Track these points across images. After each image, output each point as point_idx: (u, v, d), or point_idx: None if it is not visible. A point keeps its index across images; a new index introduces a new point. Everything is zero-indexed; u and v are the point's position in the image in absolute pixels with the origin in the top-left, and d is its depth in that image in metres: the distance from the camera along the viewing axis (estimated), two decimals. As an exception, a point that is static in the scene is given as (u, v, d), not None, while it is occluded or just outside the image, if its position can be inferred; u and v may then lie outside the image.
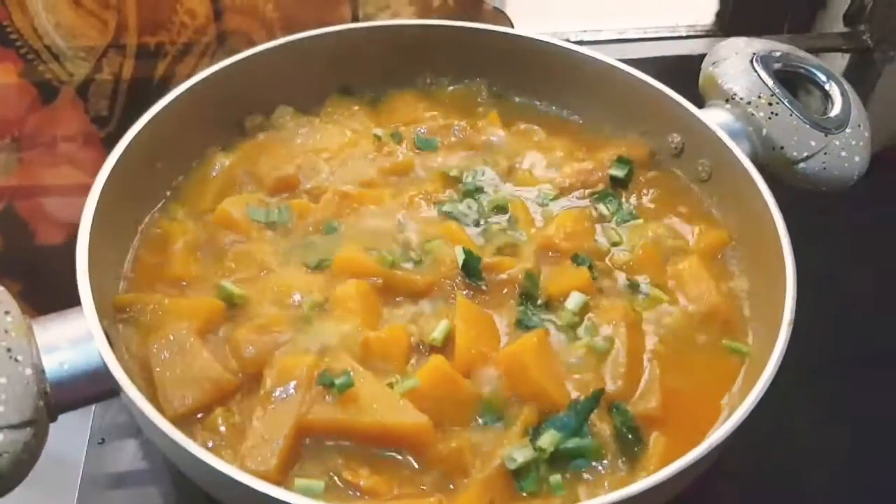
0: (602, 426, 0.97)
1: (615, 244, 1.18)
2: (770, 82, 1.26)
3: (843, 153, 1.24)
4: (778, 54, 1.31)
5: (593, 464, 0.95)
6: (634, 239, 1.18)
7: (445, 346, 1.01)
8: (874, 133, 1.30)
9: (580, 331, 1.06)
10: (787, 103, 1.24)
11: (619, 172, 1.26)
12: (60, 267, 1.46)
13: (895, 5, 1.64)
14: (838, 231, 1.58)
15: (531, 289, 1.09)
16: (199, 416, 0.95)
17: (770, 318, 1.03)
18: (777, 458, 1.24)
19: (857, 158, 1.25)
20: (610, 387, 1.01)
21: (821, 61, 1.34)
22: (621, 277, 1.14)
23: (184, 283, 1.09)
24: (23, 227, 1.51)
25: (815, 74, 1.31)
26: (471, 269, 1.09)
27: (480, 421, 0.97)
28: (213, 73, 1.23)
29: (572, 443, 0.95)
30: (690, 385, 1.04)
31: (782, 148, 1.23)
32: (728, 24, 1.78)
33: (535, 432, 0.96)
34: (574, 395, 1.00)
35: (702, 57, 1.37)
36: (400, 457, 0.93)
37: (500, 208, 1.20)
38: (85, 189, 1.47)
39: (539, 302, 1.08)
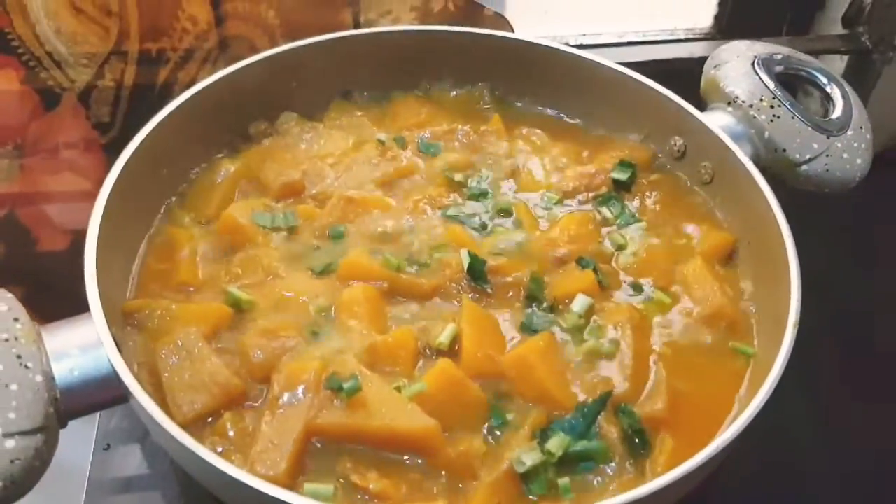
0: (609, 428, 0.98)
1: (620, 247, 1.18)
2: (772, 85, 1.26)
3: (845, 155, 1.25)
4: (779, 57, 1.32)
5: (601, 466, 0.96)
6: (638, 241, 1.19)
7: (451, 350, 1.02)
8: (873, 134, 1.30)
9: (586, 333, 1.07)
10: (788, 106, 1.25)
11: (622, 176, 1.26)
12: (62, 273, 1.47)
13: (893, 7, 1.64)
14: (838, 231, 1.59)
15: (536, 291, 1.09)
16: (208, 420, 0.96)
17: (775, 320, 1.03)
18: (777, 457, 1.24)
19: (858, 160, 1.26)
20: (616, 389, 1.01)
21: (822, 64, 1.35)
22: (626, 280, 1.14)
23: (191, 289, 1.10)
24: (25, 233, 1.50)
25: (816, 77, 1.32)
26: (476, 272, 1.09)
27: (488, 424, 0.97)
28: (218, 80, 1.23)
29: (580, 446, 0.95)
30: (696, 387, 1.05)
31: (785, 150, 1.24)
32: (726, 27, 1.78)
33: (542, 435, 0.96)
34: (581, 397, 1.00)
35: (701, 60, 1.38)
36: (408, 460, 0.94)
37: (505, 212, 1.21)
38: (87, 195, 1.48)
39: (544, 305, 1.09)
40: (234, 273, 1.10)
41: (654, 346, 1.08)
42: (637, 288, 1.13)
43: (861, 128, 1.28)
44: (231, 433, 0.94)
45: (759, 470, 1.23)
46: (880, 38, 1.67)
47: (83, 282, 0.97)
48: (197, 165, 1.25)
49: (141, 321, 1.04)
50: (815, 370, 1.28)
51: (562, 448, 0.94)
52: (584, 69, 1.34)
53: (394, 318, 1.06)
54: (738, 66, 1.30)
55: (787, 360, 0.96)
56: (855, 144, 1.26)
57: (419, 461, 0.94)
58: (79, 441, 1.07)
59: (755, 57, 1.30)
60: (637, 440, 0.98)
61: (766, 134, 1.24)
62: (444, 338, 1.01)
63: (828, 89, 1.31)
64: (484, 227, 1.18)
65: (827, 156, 1.24)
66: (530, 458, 0.93)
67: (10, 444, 0.83)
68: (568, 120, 1.40)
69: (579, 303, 1.08)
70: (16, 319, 0.90)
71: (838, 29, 1.73)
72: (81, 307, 0.95)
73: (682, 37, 1.78)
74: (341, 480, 0.92)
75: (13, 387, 0.86)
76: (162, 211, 1.20)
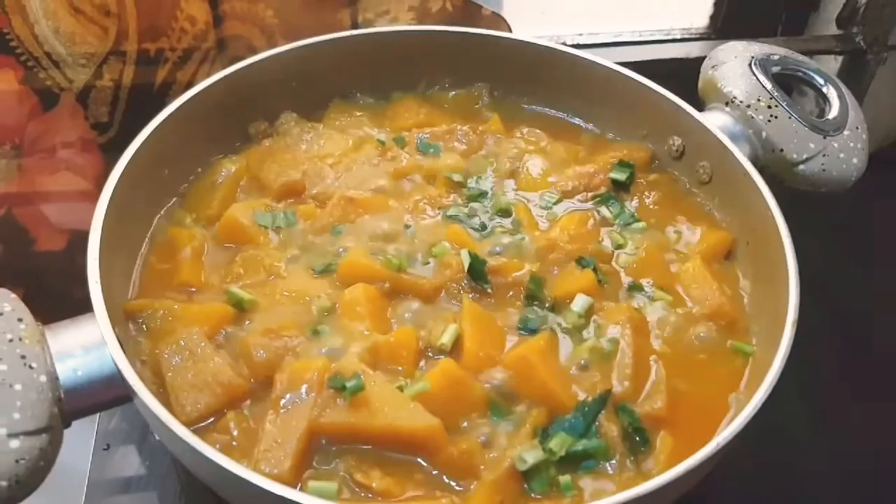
0: (609, 426, 0.98)
1: (619, 247, 1.19)
2: (769, 85, 1.27)
3: (842, 155, 1.26)
4: (776, 57, 1.32)
5: (602, 464, 0.96)
6: (637, 241, 1.19)
7: (453, 349, 1.02)
8: (868, 134, 1.31)
9: (586, 333, 1.07)
10: (786, 106, 1.25)
11: (621, 176, 1.27)
12: (61, 273, 1.47)
13: (887, 7, 1.65)
14: (836, 231, 1.59)
15: (536, 291, 1.10)
16: (211, 420, 0.96)
17: (773, 319, 1.04)
18: (775, 456, 1.25)
19: (855, 160, 1.27)
20: (616, 388, 1.01)
21: (817, 64, 1.36)
22: (626, 279, 1.15)
23: (192, 289, 1.10)
24: (23, 233, 1.50)
25: (813, 77, 1.33)
26: (476, 272, 1.09)
27: (490, 423, 0.97)
28: (218, 81, 1.24)
29: (581, 444, 0.96)
30: (696, 385, 1.05)
31: (782, 150, 1.24)
32: (721, 27, 1.78)
33: (543, 433, 0.97)
34: (581, 396, 1.01)
35: (696, 59, 1.39)
36: (411, 459, 0.94)
37: (504, 212, 1.21)
38: (85, 195, 1.47)
39: (545, 304, 1.09)
40: (235, 273, 1.11)
41: (654, 346, 1.08)
42: (636, 287, 1.14)
43: (857, 128, 1.29)
44: (234, 432, 0.95)
45: (758, 468, 1.24)
46: (874, 38, 1.68)
47: (81, 282, 0.97)
48: (198, 166, 1.25)
49: (143, 321, 1.04)
50: (813, 369, 1.29)
51: (564, 448, 0.94)
52: (582, 69, 1.35)
53: (395, 318, 1.06)
54: (735, 67, 1.30)
55: (786, 359, 0.97)
56: (851, 144, 1.27)
57: (422, 460, 0.94)
58: (78, 441, 1.07)
59: (752, 57, 1.31)
60: (637, 437, 0.99)
61: (764, 134, 1.25)
62: (445, 339, 1.02)
63: (824, 90, 1.32)
64: (484, 227, 1.19)
65: (824, 155, 1.25)
66: (532, 456, 0.93)
67: (14, 444, 0.83)
68: (567, 120, 1.41)
69: (579, 302, 1.09)
70: (20, 320, 0.90)
71: (833, 29, 1.74)
72: (79, 307, 0.96)
73: (678, 37, 1.78)
74: (344, 478, 0.92)
75: (17, 387, 0.86)
76: (163, 211, 1.20)
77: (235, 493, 0.89)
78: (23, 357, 0.88)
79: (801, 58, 1.36)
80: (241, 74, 1.26)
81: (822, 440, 1.31)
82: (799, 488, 1.25)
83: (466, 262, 1.09)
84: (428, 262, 1.12)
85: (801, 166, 1.25)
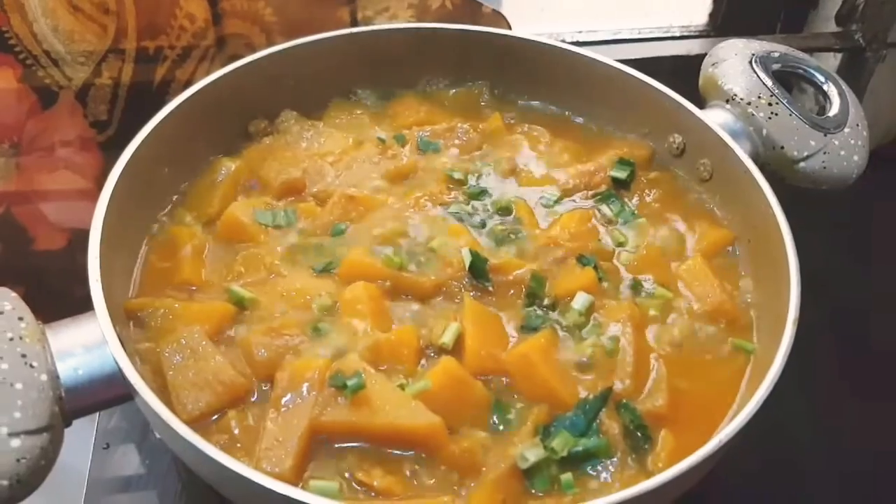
0: (611, 424, 0.98)
1: (620, 244, 1.19)
2: (769, 83, 1.27)
3: (843, 152, 1.26)
4: (776, 55, 1.32)
5: (603, 461, 0.96)
6: (638, 239, 1.19)
7: (454, 347, 1.02)
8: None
9: (587, 331, 1.07)
10: (786, 103, 1.25)
11: (621, 174, 1.27)
12: (61, 272, 1.47)
13: (886, 5, 1.65)
14: (837, 228, 1.59)
15: (537, 289, 1.10)
16: (212, 418, 0.96)
17: (774, 317, 1.04)
18: (775, 454, 1.25)
19: (855, 157, 1.27)
20: (617, 385, 1.01)
21: (817, 62, 1.36)
22: (627, 277, 1.15)
23: (193, 288, 1.10)
24: (22, 232, 1.50)
25: (813, 75, 1.33)
26: (477, 270, 1.09)
27: (491, 421, 0.98)
28: (218, 79, 1.23)
29: (582, 443, 0.96)
30: (697, 383, 1.05)
31: (783, 147, 1.24)
32: (721, 24, 1.78)
33: (545, 431, 0.97)
34: (582, 394, 1.01)
35: (696, 57, 1.39)
36: (412, 457, 0.94)
37: (505, 210, 1.21)
38: (84, 194, 1.47)
39: (545, 302, 1.09)
40: (236, 271, 1.11)
41: (655, 343, 1.08)
42: (637, 285, 1.14)
43: (858, 125, 1.29)
44: (236, 431, 0.95)
45: (758, 466, 1.24)
46: (873, 35, 1.68)
47: (80, 280, 0.97)
48: (198, 164, 1.25)
49: (144, 320, 1.04)
50: (813, 367, 1.29)
51: (566, 447, 0.94)
52: (582, 67, 1.34)
53: (396, 317, 1.06)
54: (735, 64, 1.30)
55: (787, 357, 0.97)
56: (852, 141, 1.27)
57: (423, 458, 0.94)
58: (78, 440, 1.07)
59: (753, 55, 1.31)
60: (639, 435, 0.98)
61: (765, 131, 1.25)
62: (447, 337, 1.02)
63: (825, 87, 1.32)
64: (484, 224, 1.19)
65: (824, 153, 1.25)
66: (534, 454, 0.93)
67: (15, 443, 0.83)
68: (568, 117, 1.40)
69: (580, 300, 1.09)
70: (20, 318, 0.90)
71: (832, 27, 1.74)
72: (78, 306, 0.95)
73: (678, 34, 1.78)
74: (346, 476, 0.92)
75: (18, 386, 0.85)
76: (164, 210, 1.20)
77: (237, 491, 0.89)
78: (23, 356, 0.87)
79: (801, 55, 1.36)
80: (240, 72, 1.26)
81: (820, 438, 1.31)
82: (798, 485, 1.25)
83: (467, 260, 1.09)
84: (429, 261, 1.12)
85: (802, 164, 1.25)
